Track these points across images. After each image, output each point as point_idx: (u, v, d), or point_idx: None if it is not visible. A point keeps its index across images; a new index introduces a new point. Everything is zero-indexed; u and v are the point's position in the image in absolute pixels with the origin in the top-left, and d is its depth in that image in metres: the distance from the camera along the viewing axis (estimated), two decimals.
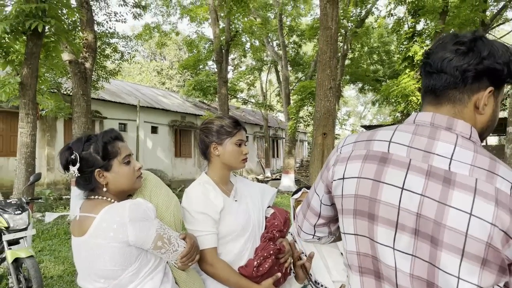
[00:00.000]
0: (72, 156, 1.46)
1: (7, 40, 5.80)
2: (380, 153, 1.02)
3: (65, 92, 12.46)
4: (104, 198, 1.49)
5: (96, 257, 1.39)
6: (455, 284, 0.88)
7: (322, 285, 1.99)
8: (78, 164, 1.45)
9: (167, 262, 1.55)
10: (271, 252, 1.73)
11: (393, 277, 0.97)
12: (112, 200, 1.49)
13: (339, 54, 14.89)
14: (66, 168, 1.49)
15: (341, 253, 2.17)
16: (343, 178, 1.08)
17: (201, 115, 19.79)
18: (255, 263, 1.70)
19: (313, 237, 1.30)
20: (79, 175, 1.47)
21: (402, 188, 0.95)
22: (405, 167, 0.97)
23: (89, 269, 1.43)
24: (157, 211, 1.52)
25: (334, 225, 1.28)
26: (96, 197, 1.49)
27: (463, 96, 1.00)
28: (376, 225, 0.99)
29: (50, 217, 8.57)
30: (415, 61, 11.68)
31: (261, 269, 1.69)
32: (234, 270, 1.71)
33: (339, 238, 1.34)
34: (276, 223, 1.86)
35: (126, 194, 1.55)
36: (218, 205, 1.75)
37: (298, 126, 17.37)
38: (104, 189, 1.49)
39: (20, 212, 4.02)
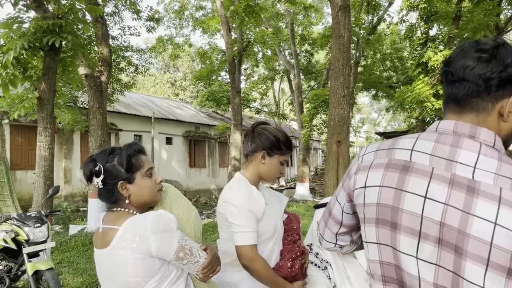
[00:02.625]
0: (96, 168, 1.48)
1: (25, 56, 5.94)
2: (402, 161, 1.02)
3: (81, 106, 12.66)
4: (127, 210, 1.51)
5: (119, 269, 1.40)
6: None
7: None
8: (102, 176, 1.47)
9: (188, 274, 1.55)
10: (298, 253, 1.86)
11: (416, 286, 0.96)
12: (135, 212, 1.50)
13: (352, 61, 14.85)
14: (89, 179, 1.51)
15: (360, 264, 2.15)
16: (365, 187, 1.08)
17: (215, 125, 19.91)
18: (288, 264, 1.80)
19: (335, 246, 1.30)
20: (102, 186, 1.49)
21: (425, 197, 0.95)
22: (427, 175, 0.96)
23: (112, 281, 1.44)
24: (178, 223, 1.53)
25: (356, 233, 1.27)
26: (119, 209, 1.51)
27: (487, 105, 0.99)
28: (398, 234, 0.99)
29: (74, 229, 8.73)
30: (429, 66, 11.58)
31: (293, 269, 1.80)
32: (271, 268, 1.80)
33: (361, 247, 1.33)
34: (295, 227, 1.99)
35: (147, 207, 1.57)
36: (262, 205, 1.85)
37: (312, 134, 17.32)
38: (127, 201, 1.51)
39: (39, 225, 4.08)
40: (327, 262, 2.07)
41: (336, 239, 1.28)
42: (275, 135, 1.94)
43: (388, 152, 1.07)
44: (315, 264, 2.06)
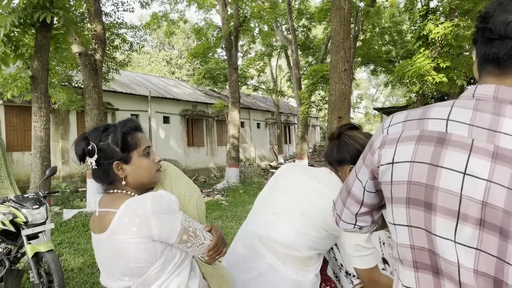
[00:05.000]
0: (89, 147, 1.37)
1: (16, 33, 5.73)
2: (437, 133, 0.89)
3: (76, 85, 12.45)
4: (124, 191, 1.40)
5: (119, 255, 1.31)
6: None
7: (354, 275, 1.90)
8: (95, 156, 1.36)
9: (193, 257, 1.46)
10: None
11: (455, 273, 0.85)
12: (133, 194, 1.40)
13: (351, 35, 14.60)
14: (82, 159, 1.40)
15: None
16: (393, 163, 0.96)
17: (212, 104, 19.72)
18: None
19: (354, 227, 1.19)
20: (96, 167, 1.38)
21: (464, 173, 0.83)
22: (467, 148, 0.84)
23: (113, 267, 1.35)
24: (179, 203, 1.43)
25: (377, 213, 1.17)
26: (116, 191, 1.41)
27: None
28: (434, 216, 0.87)
29: (68, 214, 8.59)
30: (430, 39, 11.35)
31: None
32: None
33: (381, 227, 1.24)
34: None
35: (145, 188, 1.46)
36: None
37: (310, 111, 17.18)
38: (123, 182, 1.40)
39: (38, 206, 4.00)
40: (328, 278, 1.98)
41: (356, 220, 1.17)
42: (364, 146, 1.75)
43: (419, 122, 0.94)
44: None
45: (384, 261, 2.04)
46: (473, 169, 0.82)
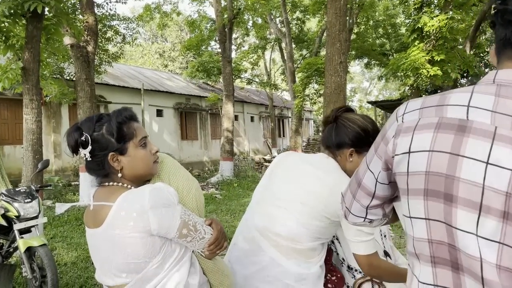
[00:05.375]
0: (83, 138, 1.30)
1: (6, 23, 5.62)
2: (457, 120, 0.84)
3: (68, 77, 12.29)
4: (120, 184, 1.34)
5: (116, 250, 1.25)
6: None
7: (356, 270, 1.86)
8: (89, 147, 1.29)
9: (192, 251, 1.41)
10: None
11: (477, 269, 0.80)
12: (129, 186, 1.34)
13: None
14: (75, 150, 1.33)
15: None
16: (409, 152, 0.90)
17: (206, 97, 19.60)
18: None
19: (364, 220, 1.14)
20: (90, 159, 1.32)
21: (487, 163, 0.78)
22: (490, 136, 0.79)
23: (109, 263, 1.29)
24: (178, 196, 1.38)
25: (389, 206, 1.12)
26: (111, 183, 1.34)
27: None
28: (454, 208, 0.82)
29: (61, 208, 8.49)
30: (424, 32, 11.33)
31: None
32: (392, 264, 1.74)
33: (392, 221, 1.20)
34: None
35: (142, 180, 1.39)
36: None
37: (304, 104, 17.14)
38: (119, 174, 1.33)
39: (30, 200, 3.93)
40: (334, 236, 1.94)
41: (366, 213, 1.12)
42: (364, 128, 1.66)
43: (438, 109, 0.89)
44: None
45: (386, 254, 2.01)
46: (497, 158, 0.77)
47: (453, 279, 0.86)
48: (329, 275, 1.79)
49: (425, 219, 0.89)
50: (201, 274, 1.41)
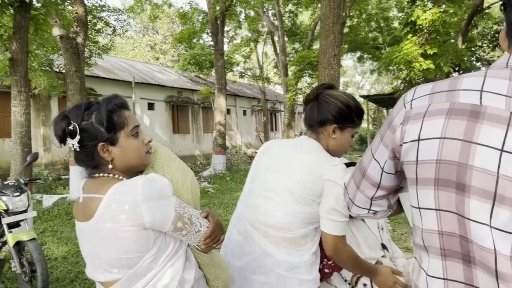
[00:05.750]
0: (70, 127, 1.22)
1: None
2: (470, 105, 0.79)
3: (57, 70, 12.09)
4: (111, 175, 1.27)
5: (107, 244, 1.19)
6: None
7: None
8: (78, 137, 1.22)
9: (188, 245, 1.35)
10: None
11: (490, 261, 0.76)
12: (121, 178, 1.27)
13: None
14: (62, 140, 1.25)
15: (368, 227, 2.00)
16: (419, 140, 0.86)
17: (198, 90, 19.46)
18: None
19: (368, 212, 1.10)
20: (78, 149, 1.24)
21: (502, 150, 0.73)
22: (504, 123, 0.74)
23: (100, 258, 1.23)
24: (172, 188, 1.32)
25: (394, 196, 1.07)
26: (101, 174, 1.27)
27: None
28: (467, 198, 0.78)
29: (48, 200, 8.34)
30: (417, 26, 11.32)
31: None
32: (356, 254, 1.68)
33: (396, 212, 1.15)
34: None
35: (134, 172, 1.33)
36: None
37: (297, 98, 17.10)
38: (110, 166, 1.26)
39: (18, 193, 3.84)
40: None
41: (371, 204, 1.08)
42: (346, 104, 1.64)
43: (449, 94, 0.84)
44: None
45: (383, 246, 1.98)
46: None
47: (464, 272, 0.82)
48: (325, 259, 1.77)
49: (435, 209, 0.85)
50: (196, 269, 1.35)
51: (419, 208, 0.90)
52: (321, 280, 1.75)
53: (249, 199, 1.81)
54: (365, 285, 1.80)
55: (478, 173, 0.76)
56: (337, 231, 1.56)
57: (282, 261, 1.64)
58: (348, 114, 1.64)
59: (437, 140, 0.82)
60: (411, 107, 0.91)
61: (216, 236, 1.32)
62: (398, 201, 1.12)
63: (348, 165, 1.93)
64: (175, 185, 1.34)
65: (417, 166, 0.87)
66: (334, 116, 1.64)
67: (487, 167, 0.75)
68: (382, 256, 1.93)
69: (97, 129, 1.24)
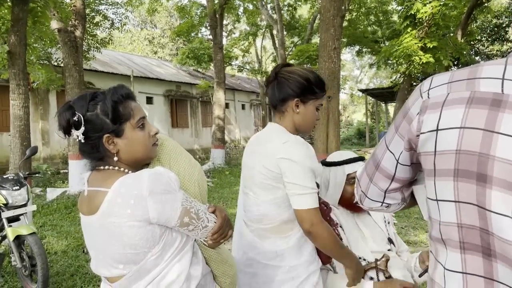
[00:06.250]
0: (75, 118, 1.18)
1: None
2: (491, 94, 0.77)
3: (56, 63, 12.01)
4: (117, 168, 1.24)
5: (112, 239, 1.16)
6: None
7: (360, 257, 1.80)
8: (82, 128, 1.18)
9: (195, 240, 1.33)
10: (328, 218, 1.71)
11: None
12: (126, 170, 1.24)
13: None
14: (67, 132, 1.21)
15: (375, 221, 1.98)
16: (437, 130, 0.83)
17: (197, 84, 19.39)
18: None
19: (381, 205, 1.07)
20: (83, 141, 1.21)
21: None
22: None
23: (105, 253, 1.20)
24: (179, 182, 1.28)
25: (408, 189, 1.05)
26: (107, 167, 1.24)
27: None
28: (489, 189, 0.76)
29: (52, 193, 8.33)
30: (417, 19, 11.27)
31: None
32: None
33: (409, 205, 1.13)
34: None
35: (140, 164, 1.30)
36: (319, 163, 1.64)
37: None
38: (115, 158, 1.23)
39: (18, 187, 3.81)
40: (337, 223, 1.88)
41: (384, 197, 1.05)
42: (305, 77, 1.65)
43: (469, 83, 0.81)
44: None
45: (390, 241, 1.96)
46: None
47: (484, 266, 0.80)
48: None
49: (455, 201, 0.82)
50: (203, 264, 1.33)
51: (436, 200, 0.87)
52: (324, 264, 1.76)
53: (240, 196, 1.89)
54: (371, 278, 1.79)
55: (500, 164, 0.74)
56: (307, 204, 1.54)
57: (265, 251, 1.67)
58: (308, 86, 1.65)
59: (457, 130, 0.80)
60: (428, 97, 0.88)
61: (224, 231, 1.29)
62: (412, 194, 1.10)
63: (356, 160, 1.91)
64: (182, 179, 1.31)
65: (435, 157, 0.84)
66: (293, 90, 1.65)
67: (509, 157, 0.73)
68: (389, 250, 1.91)
69: (102, 120, 1.20)
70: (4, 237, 3.82)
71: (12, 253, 3.63)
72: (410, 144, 0.92)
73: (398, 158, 0.97)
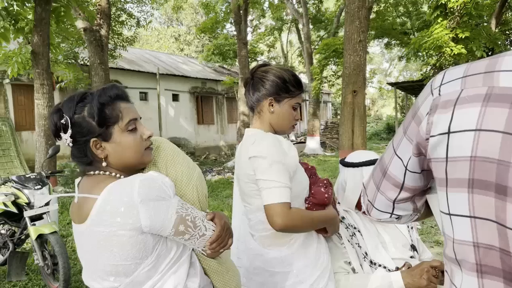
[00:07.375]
0: (62, 121, 1.11)
1: (15, 6, 5.50)
2: None
3: (82, 62, 12.24)
4: (107, 173, 1.15)
5: (102, 250, 1.08)
6: None
7: (380, 265, 1.66)
8: (69, 131, 1.11)
9: (192, 249, 1.23)
10: (325, 181, 1.66)
11: None
12: (118, 175, 1.15)
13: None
14: (56, 135, 1.14)
15: (396, 226, 1.83)
16: (449, 132, 0.70)
17: (222, 81, 19.40)
18: (322, 189, 1.60)
19: (390, 216, 0.94)
20: (71, 145, 1.13)
21: None
22: None
23: (95, 264, 1.12)
24: (176, 187, 1.19)
25: (421, 199, 0.91)
26: (97, 172, 1.16)
27: None
28: (510, 203, 0.63)
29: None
30: (448, 9, 10.82)
31: (329, 196, 1.60)
32: (306, 211, 1.55)
33: (424, 216, 0.99)
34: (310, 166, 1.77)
35: (133, 170, 1.20)
36: (295, 157, 1.56)
37: (322, 86, 16.78)
38: (104, 163, 1.15)
39: (40, 186, 3.85)
40: (355, 228, 1.75)
41: (393, 208, 0.92)
42: (279, 75, 1.62)
43: (487, 76, 0.68)
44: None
45: (413, 248, 1.81)
46: None
47: None
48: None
49: (470, 217, 0.69)
50: (202, 276, 1.22)
51: (449, 214, 0.73)
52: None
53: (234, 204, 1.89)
54: (374, 264, 1.68)
55: None
56: (275, 198, 1.42)
57: (271, 259, 1.61)
58: (281, 85, 1.62)
59: (472, 133, 0.66)
60: (439, 94, 0.74)
61: (223, 240, 1.19)
62: (426, 203, 0.96)
63: (370, 163, 1.76)
64: (179, 183, 1.22)
65: (447, 164, 0.71)
66: (267, 89, 1.63)
67: None
68: (411, 257, 1.77)
69: (88, 123, 1.12)
70: (28, 235, 3.87)
71: (35, 252, 3.66)
72: (419, 149, 0.79)
73: (407, 165, 0.84)
